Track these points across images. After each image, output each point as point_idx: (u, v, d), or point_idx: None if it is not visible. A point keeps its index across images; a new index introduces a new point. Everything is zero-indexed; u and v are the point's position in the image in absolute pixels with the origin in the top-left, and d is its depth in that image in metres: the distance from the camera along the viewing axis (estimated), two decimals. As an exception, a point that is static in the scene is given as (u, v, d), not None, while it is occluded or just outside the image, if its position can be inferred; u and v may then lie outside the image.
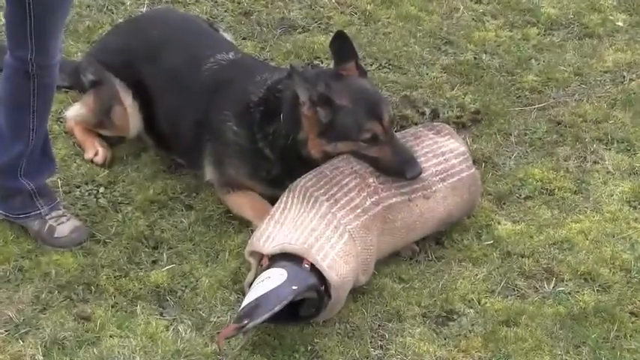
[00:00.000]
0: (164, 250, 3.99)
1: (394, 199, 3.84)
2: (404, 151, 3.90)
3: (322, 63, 5.04)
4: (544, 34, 5.42)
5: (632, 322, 3.74)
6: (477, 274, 3.93)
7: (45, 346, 3.56)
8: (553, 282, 3.91)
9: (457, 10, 5.54)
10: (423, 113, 4.76)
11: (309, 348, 3.61)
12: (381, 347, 3.64)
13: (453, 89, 4.95)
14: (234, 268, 3.91)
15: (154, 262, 3.95)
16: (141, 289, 3.81)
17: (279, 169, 4.03)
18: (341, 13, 5.49)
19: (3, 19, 3.74)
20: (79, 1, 5.33)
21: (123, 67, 4.36)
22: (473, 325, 3.72)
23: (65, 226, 3.97)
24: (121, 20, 5.19)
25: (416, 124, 4.60)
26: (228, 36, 4.77)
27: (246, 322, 3.42)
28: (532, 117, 4.80)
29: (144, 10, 5.37)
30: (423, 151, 3.99)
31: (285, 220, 3.73)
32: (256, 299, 3.48)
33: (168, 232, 4.07)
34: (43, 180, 4.01)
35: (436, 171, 3.96)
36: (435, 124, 4.28)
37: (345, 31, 4.21)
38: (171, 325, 3.68)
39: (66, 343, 3.58)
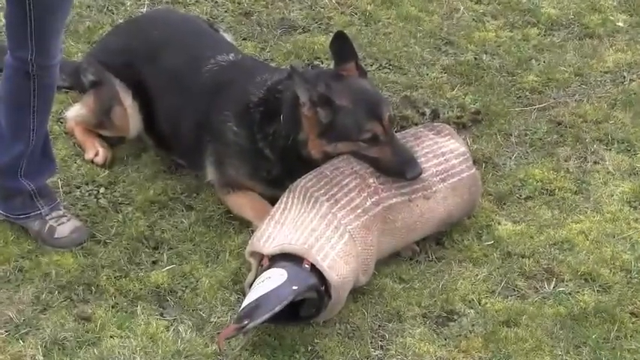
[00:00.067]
0: (164, 250, 3.99)
1: (394, 200, 3.84)
2: (404, 151, 3.90)
3: (322, 63, 5.04)
4: (544, 35, 5.41)
5: (632, 323, 3.74)
6: (477, 275, 3.93)
7: (45, 346, 3.56)
8: (553, 282, 3.91)
9: (457, 10, 5.54)
10: (424, 113, 4.76)
11: (310, 348, 3.61)
12: (382, 347, 3.64)
13: (454, 89, 4.95)
14: (234, 268, 3.91)
15: (154, 262, 3.95)
16: (141, 289, 3.81)
17: (280, 169, 4.03)
18: (341, 13, 5.49)
19: (3, 20, 3.74)
20: (79, 2, 5.33)
21: (123, 68, 4.37)
22: (473, 325, 3.72)
23: (65, 227, 3.97)
24: (121, 21, 5.20)
25: (416, 124, 4.60)
26: (228, 36, 4.77)
27: (246, 322, 3.42)
28: (532, 117, 4.80)
29: (144, 10, 5.37)
30: (424, 152, 3.99)
31: (285, 221, 3.73)
32: (256, 299, 3.48)
33: (168, 233, 4.07)
34: (44, 180, 4.01)
35: (436, 171, 3.96)
36: (435, 124, 4.28)
37: (346, 31, 4.22)
38: (171, 325, 3.68)
39: (66, 343, 3.58)
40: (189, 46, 4.35)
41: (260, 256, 3.70)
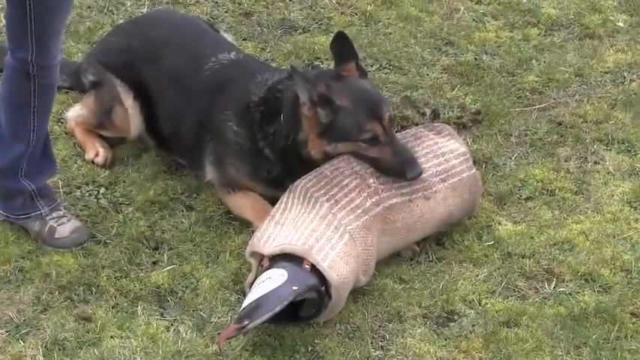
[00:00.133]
0: (165, 250, 3.99)
1: (394, 200, 3.84)
2: (404, 151, 3.90)
3: (322, 63, 5.04)
4: (544, 35, 5.41)
5: (632, 323, 3.74)
6: (477, 275, 3.93)
7: (46, 346, 3.56)
8: (554, 283, 3.91)
9: (457, 10, 5.54)
10: (424, 114, 4.76)
11: (310, 349, 3.61)
12: (382, 348, 3.64)
13: (454, 90, 4.95)
14: (234, 268, 3.91)
15: (154, 262, 3.95)
16: (141, 289, 3.81)
17: (280, 169, 4.03)
18: (341, 13, 5.49)
19: (4, 20, 3.74)
20: (79, 2, 5.33)
21: (123, 68, 4.37)
22: (473, 325, 3.72)
23: (66, 227, 3.97)
24: (121, 21, 5.19)
25: (416, 124, 4.60)
26: (228, 37, 4.77)
27: (246, 322, 3.42)
28: (533, 117, 4.80)
29: (144, 10, 5.37)
30: (424, 152, 3.99)
31: (285, 221, 3.73)
32: (257, 300, 3.48)
33: (168, 233, 4.07)
34: (44, 181, 4.01)
35: (437, 171, 3.96)
36: (435, 124, 4.28)
37: (346, 31, 4.22)
38: (171, 325, 3.68)
39: (66, 343, 3.58)
40: (190, 46, 4.36)
41: (260, 257, 3.70)
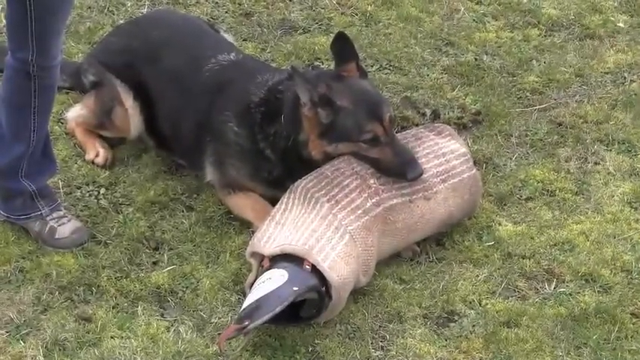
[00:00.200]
0: (165, 251, 3.99)
1: (395, 200, 3.84)
2: (405, 152, 3.90)
3: (323, 64, 5.04)
4: (545, 35, 5.41)
5: (633, 323, 3.74)
6: (477, 275, 3.93)
7: (46, 347, 3.57)
8: (554, 283, 3.91)
9: (458, 11, 5.54)
10: (424, 114, 4.76)
11: (310, 349, 3.61)
12: (382, 348, 3.64)
13: (454, 90, 4.95)
14: (235, 269, 3.91)
15: (154, 263, 3.95)
16: (142, 290, 3.81)
17: (280, 170, 4.03)
18: (342, 14, 5.49)
19: (4, 20, 3.74)
20: (80, 2, 5.33)
21: (124, 68, 4.37)
22: (474, 326, 3.72)
23: (66, 227, 3.97)
24: (121, 21, 5.19)
25: (417, 125, 4.60)
26: (229, 37, 4.77)
27: (247, 323, 3.42)
28: (533, 118, 4.80)
29: (145, 11, 5.37)
30: (424, 152, 3.99)
31: (285, 221, 3.73)
32: (257, 300, 3.48)
33: (169, 233, 4.07)
34: (44, 181, 4.01)
35: (437, 172, 3.96)
36: (435, 125, 4.28)
37: (346, 32, 4.22)
38: (172, 326, 3.68)
39: (67, 344, 3.58)
40: (190, 47, 4.36)
41: (261, 257, 3.70)
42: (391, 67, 5.11)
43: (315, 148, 3.91)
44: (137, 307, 3.74)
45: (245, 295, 3.66)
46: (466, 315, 3.77)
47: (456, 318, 3.76)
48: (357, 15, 5.50)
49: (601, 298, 3.84)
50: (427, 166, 3.93)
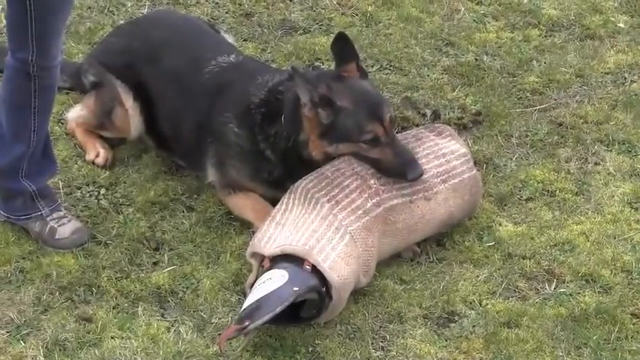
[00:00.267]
0: (165, 251, 3.99)
1: (395, 201, 3.84)
2: (405, 152, 3.90)
3: (323, 64, 5.04)
4: (545, 36, 5.41)
5: (633, 324, 3.74)
6: (478, 276, 3.93)
7: (46, 347, 3.57)
8: (554, 283, 3.91)
9: (458, 11, 5.54)
10: (424, 115, 4.76)
11: (310, 349, 3.61)
12: (383, 349, 3.64)
13: (454, 90, 4.95)
14: (235, 269, 3.91)
15: (155, 263, 3.95)
16: (142, 290, 3.81)
17: (281, 170, 4.03)
18: (342, 14, 5.49)
19: (4, 21, 3.74)
20: (80, 3, 5.33)
21: (124, 69, 4.37)
22: (474, 326, 3.72)
23: (66, 228, 3.97)
24: (122, 22, 5.19)
25: (417, 125, 4.60)
26: (229, 37, 4.77)
27: (247, 323, 3.42)
28: (533, 118, 4.80)
29: (145, 11, 5.37)
30: (424, 153, 3.99)
31: (286, 222, 3.73)
32: (257, 300, 3.48)
33: (169, 234, 4.07)
34: (44, 181, 4.01)
35: (437, 172, 3.96)
36: (436, 125, 4.28)
37: (346, 32, 4.22)
38: (172, 326, 3.68)
39: (67, 344, 3.58)
40: (190, 47, 4.36)
41: (261, 257, 3.70)
42: (391, 68, 5.11)
43: (316, 148, 3.91)
44: (137, 307, 3.74)
45: (245, 296, 3.66)
46: (466, 315, 3.77)
47: (456, 318, 3.76)
48: (357, 15, 5.50)
49: (601, 298, 3.84)
50: (427, 166, 3.93)
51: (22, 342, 3.59)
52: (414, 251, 4.00)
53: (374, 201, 3.80)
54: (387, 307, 3.78)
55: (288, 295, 3.46)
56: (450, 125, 4.45)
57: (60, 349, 3.57)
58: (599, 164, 4.53)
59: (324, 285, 3.57)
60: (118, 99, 4.36)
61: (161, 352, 3.57)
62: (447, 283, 3.89)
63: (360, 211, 3.75)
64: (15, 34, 3.64)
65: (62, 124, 4.58)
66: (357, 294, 3.79)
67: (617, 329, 3.69)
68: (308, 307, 3.63)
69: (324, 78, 3.92)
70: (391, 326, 3.72)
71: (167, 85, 4.30)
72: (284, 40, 5.25)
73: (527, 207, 4.29)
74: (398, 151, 3.88)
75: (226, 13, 5.45)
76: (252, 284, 3.64)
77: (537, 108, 4.87)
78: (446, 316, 3.77)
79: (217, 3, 5.50)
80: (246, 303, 3.53)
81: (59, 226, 3.97)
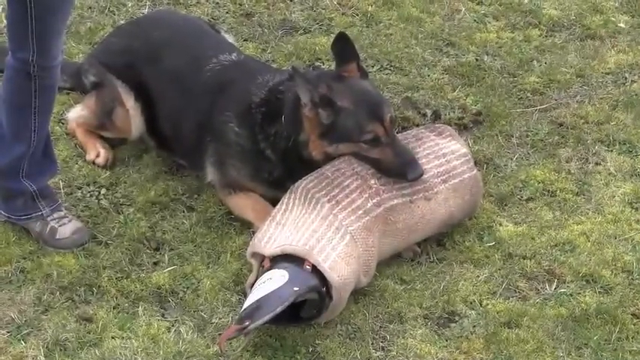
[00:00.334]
0: (165, 251, 4.00)
1: (395, 201, 3.84)
2: (405, 152, 3.90)
3: (323, 64, 5.04)
4: (546, 36, 5.41)
5: (634, 324, 3.74)
6: (478, 276, 3.93)
7: (47, 347, 3.57)
8: (555, 283, 3.91)
9: (459, 11, 5.54)
10: (425, 115, 4.76)
11: (311, 349, 3.61)
12: (383, 349, 3.64)
13: (455, 91, 4.95)
14: (235, 269, 3.91)
15: (155, 263, 3.95)
16: (142, 290, 3.81)
17: (281, 170, 4.03)
18: (342, 14, 5.49)
19: (4, 21, 3.74)
20: (80, 3, 5.33)
21: (124, 69, 4.37)
22: (474, 326, 3.72)
23: (67, 228, 3.97)
24: (122, 22, 5.20)
25: (417, 125, 4.60)
26: (229, 38, 4.77)
27: (247, 323, 3.43)
28: (534, 118, 4.80)
29: (145, 11, 5.37)
30: (425, 153, 3.99)
31: (286, 222, 3.73)
32: (258, 300, 3.48)
33: (169, 234, 4.07)
34: (45, 181, 4.01)
35: (438, 172, 3.96)
36: (436, 125, 4.28)
37: (347, 32, 4.22)
38: (172, 326, 3.68)
39: (68, 344, 3.58)
40: (191, 47, 4.36)
41: (261, 257, 3.70)
42: (392, 68, 5.11)
43: (316, 148, 3.91)
44: (138, 307, 3.74)
45: (246, 296, 3.66)
46: (467, 315, 3.77)
47: (456, 318, 3.76)
48: (357, 15, 5.50)
49: (602, 298, 3.84)
50: (428, 166, 3.94)
51: (22, 342, 3.59)
52: (414, 251, 4.00)
53: (374, 201, 3.80)
54: (388, 307, 3.78)
55: (288, 295, 3.46)
56: (451, 125, 4.45)
57: (60, 349, 3.57)
58: (600, 164, 4.53)
59: (324, 285, 3.57)
60: (119, 99, 4.36)
61: (161, 352, 3.57)
62: (447, 283, 3.89)
63: (360, 211, 3.75)
64: (15, 34, 3.64)
65: (63, 124, 4.58)
66: (358, 294, 3.79)
67: (617, 329, 3.69)
68: (308, 307, 3.63)
69: (324, 78, 3.92)
70: (391, 326, 3.72)
71: (168, 84, 4.30)
72: (284, 40, 5.25)
73: (528, 207, 4.29)
74: (398, 151, 3.88)
75: (227, 13, 5.45)
76: (253, 284, 3.64)
77: (538, 108, 4.87)
78: (446, 316, 3.77)
79: (218, 3, 5.50)
80: (247, 303, 3.53)
81: (60, 226, 3.97)
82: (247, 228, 4.07)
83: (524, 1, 5.63)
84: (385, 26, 5.42)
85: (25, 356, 3.55)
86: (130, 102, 4.35)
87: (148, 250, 3.99)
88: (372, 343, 3.65)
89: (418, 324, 3.72)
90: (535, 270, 3.97)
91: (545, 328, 3.71)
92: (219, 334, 3.59)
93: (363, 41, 5.22)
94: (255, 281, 3.64)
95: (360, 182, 3.82)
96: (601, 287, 3.90)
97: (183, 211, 4.18)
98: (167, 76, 4.30)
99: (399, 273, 3.93)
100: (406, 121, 4.68)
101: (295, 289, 3.49)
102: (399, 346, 3.64)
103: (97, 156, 4.39)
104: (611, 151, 4.61)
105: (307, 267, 3.57)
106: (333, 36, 4.19)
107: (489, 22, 5.49)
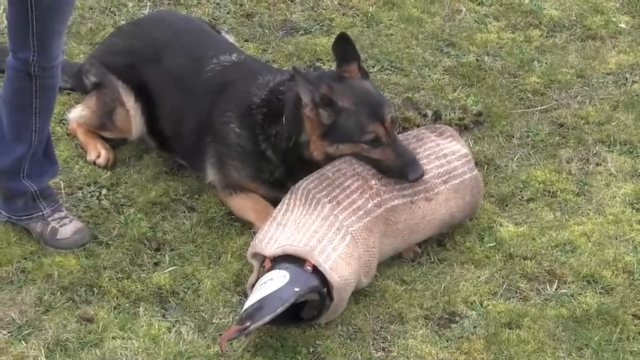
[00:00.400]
0: (166, 251, 4.00)
1: (396, 201, 3.84)
2: (406, 153, 3.90)
3: (324, 65, 5.05)
4: (546, 36, 5.41)
5: (634, 325, 3.74)
6: (479, 276, 3.93)
7: (48, 347, 3.57)
8: (555, 284, 3.91)
9: (459, 12, 5.55)
10: (425, 115, 4.76)
11: (311, 350, 3.61)
12: (384, 349, 3.64)
13: (455, 91, 4.95)
14: (236, 269, 3.91)
15: (156, 263, 3.95)
16: (143, 290, 3.81)
17: (282, 170, 4.03)
18: (343, 15, 5.49)
19: (5, 21, 3.74)
20: (81, 3, 5.33)
21: (125, 69, 4.37)
22: (475, 327, 3.72)
23: (68, 228, 3.97)
24: (123, 22, 5.20)
25: (418, 126, 4.60)
26: (230, 38, 4.78)
27: (248, 323, 3.43)
28: (534, 119, 4.80)
29: (146, 12, 5.38)
30: (425, 153, 3.99)
31: (287, 222, 3.73)
32: (258, 301, 3.48)
33: (170, 234, 4.07)
34: (46, 182, 4.01)
35: (438, 173, 3.96)
36: (437, 126, 4.28)
37: (347, 32, 4.21)
38: (173, 326, 3.68)
39: (68, 344, 3.59)
40: (192, 48, 4.36)
41: (262, 258, 3.70)
42: (392, 68, 5.11)
43: (317, 148, 3.91)
44: (138, 307, 3.74)
45: (246, 296, 3.66)
46: (467, 316, 3.77)
47: (457, 319, 3.76)
48: (358, 16, 5.50)
49: (603, 299, 3.84)
50: (428, 167, 3.94)
51: (23, 342, 3.59)
52: (415, 252, 4.01)
53: (375, 201, 3.80)
54: (388, 308, 3.78)
55: (289, 296, 3.46)
56: (451, 126, 4.46)
57: (61, 350, 3.57)
58: (601, 165, 4.53)
59: (325, 285, 3.57)
60: (120, 99, 4.36)
61: (162, 353, 3.57)
62: (448, 283, 3.89)
63: (361, 212, 3.75)
64: (16, 35, 3.64)
65: (63, 124, 4.58)
66: (358, 294, 3.79)
67: (618, 330, 3.69)
68: (309, 307, 3.63)
69: (325, 78, 3.93)
70: (392, 327, 3.72)
71: (168, 85, 4.30)
72: (285, 40, 5.25)
73: (529, 207, 4.29)
74: (399, 152, 3.88)
75: (227, 13, 5.46)
76: (253, 285, 3.64)
77: (538, 108, 4.87)
78: (447, 316, 3.77)
79: (218, 3, 5.51)
80: (248, 303, 3.53)
81: (60, 226, 3.97)
82: (248, 228, 4.07)
83: (525, 1, 5.64)
84: (386, 27, 5.42)
85: (25, 356, 3.55)
86: (130, 102, 4.35)
87: (149, 251, 3.99)
88: (373, 344, 3.65)
89: (419, 324, 3.72)
90: (536, 270, 3.97)
91: (545, 328, 3.71)
92: (220, 335, 3.59)
93: (363, 42, 5.22)
94: (255, 282, 3.63)
95: (360, 183, 3.82)
96: (602, 288, 3.90)
97: (184, 212, 4.18)
98: (168, 77, 4.30)
99: (399, 273, 3.93)
100: (407, 122, 4.68)
101: (296, 289, 3.49)
102: (399, 347, 3.64)
103: (98, 156, 4.39)
104: (612, 151, 4.61)
105: (308, 267, 3.57)
106: (334, 36, 4.19)
107: (490, 23, 5.49)
